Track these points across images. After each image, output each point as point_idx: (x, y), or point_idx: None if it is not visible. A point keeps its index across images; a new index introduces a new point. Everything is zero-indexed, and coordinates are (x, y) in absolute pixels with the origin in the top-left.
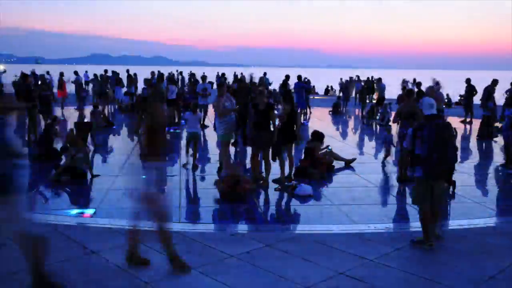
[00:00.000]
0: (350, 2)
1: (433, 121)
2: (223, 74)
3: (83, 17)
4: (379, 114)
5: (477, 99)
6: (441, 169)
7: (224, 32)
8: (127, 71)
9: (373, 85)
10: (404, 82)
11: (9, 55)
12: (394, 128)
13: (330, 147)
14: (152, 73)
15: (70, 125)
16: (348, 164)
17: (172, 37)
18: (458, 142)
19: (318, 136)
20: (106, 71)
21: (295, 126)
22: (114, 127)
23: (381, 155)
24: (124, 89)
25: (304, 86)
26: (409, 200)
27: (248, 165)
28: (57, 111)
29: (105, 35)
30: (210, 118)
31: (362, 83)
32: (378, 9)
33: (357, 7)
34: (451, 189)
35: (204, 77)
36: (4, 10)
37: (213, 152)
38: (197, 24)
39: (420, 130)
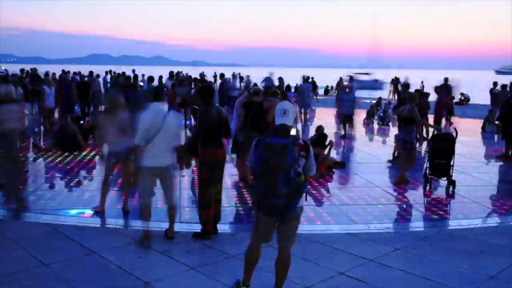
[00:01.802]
0: (349, 2)
1: None
2: (222, 75)
3: (83, 17)
4: (377, 115)
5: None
6: None
7: (224, 32)
8: (133, 71)
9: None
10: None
11: (8, 55)
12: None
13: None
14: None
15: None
16: (342, 166)
17: (172, 37)
18: (458, 142)
19: (323, 140)
20: (111, 72)
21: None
22: None
23: (385, 155)
24: None
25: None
26: (409, 200)
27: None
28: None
29: (105, 35)
30: None
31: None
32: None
33: (355, 6)
34: (451, 188)
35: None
36: (4, 10)
37: None
38: (197, 24)
39: None
